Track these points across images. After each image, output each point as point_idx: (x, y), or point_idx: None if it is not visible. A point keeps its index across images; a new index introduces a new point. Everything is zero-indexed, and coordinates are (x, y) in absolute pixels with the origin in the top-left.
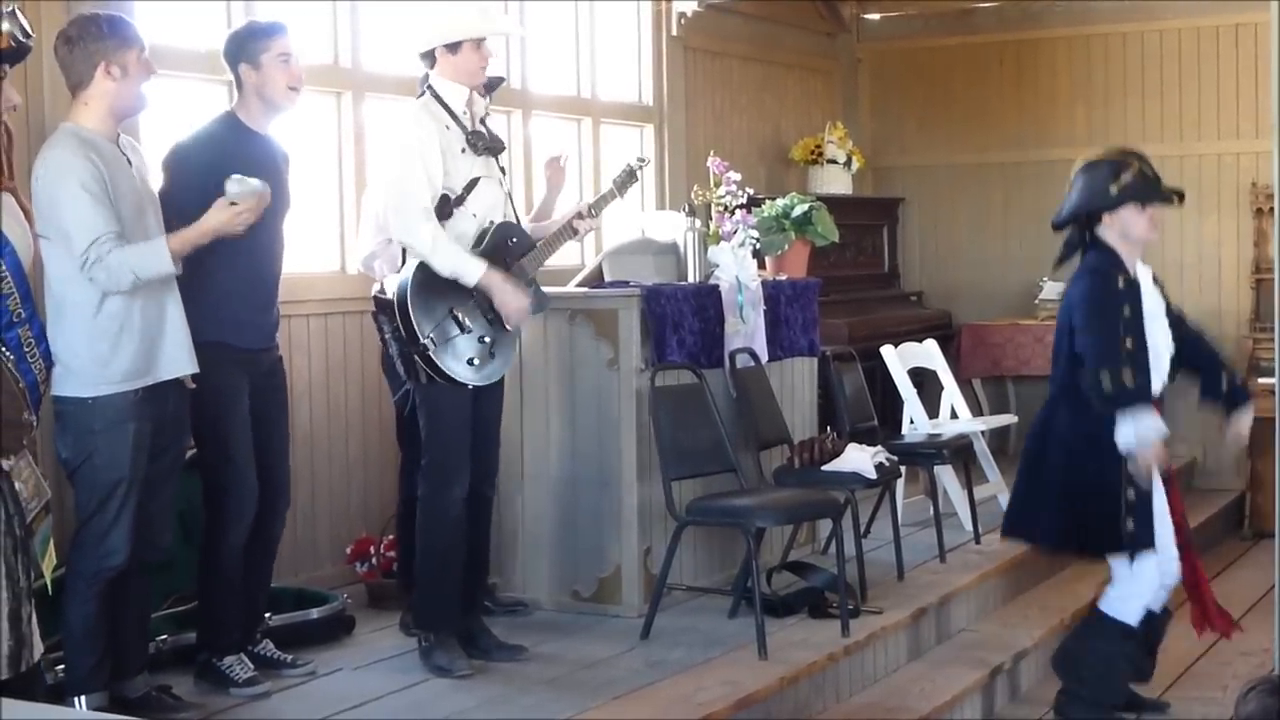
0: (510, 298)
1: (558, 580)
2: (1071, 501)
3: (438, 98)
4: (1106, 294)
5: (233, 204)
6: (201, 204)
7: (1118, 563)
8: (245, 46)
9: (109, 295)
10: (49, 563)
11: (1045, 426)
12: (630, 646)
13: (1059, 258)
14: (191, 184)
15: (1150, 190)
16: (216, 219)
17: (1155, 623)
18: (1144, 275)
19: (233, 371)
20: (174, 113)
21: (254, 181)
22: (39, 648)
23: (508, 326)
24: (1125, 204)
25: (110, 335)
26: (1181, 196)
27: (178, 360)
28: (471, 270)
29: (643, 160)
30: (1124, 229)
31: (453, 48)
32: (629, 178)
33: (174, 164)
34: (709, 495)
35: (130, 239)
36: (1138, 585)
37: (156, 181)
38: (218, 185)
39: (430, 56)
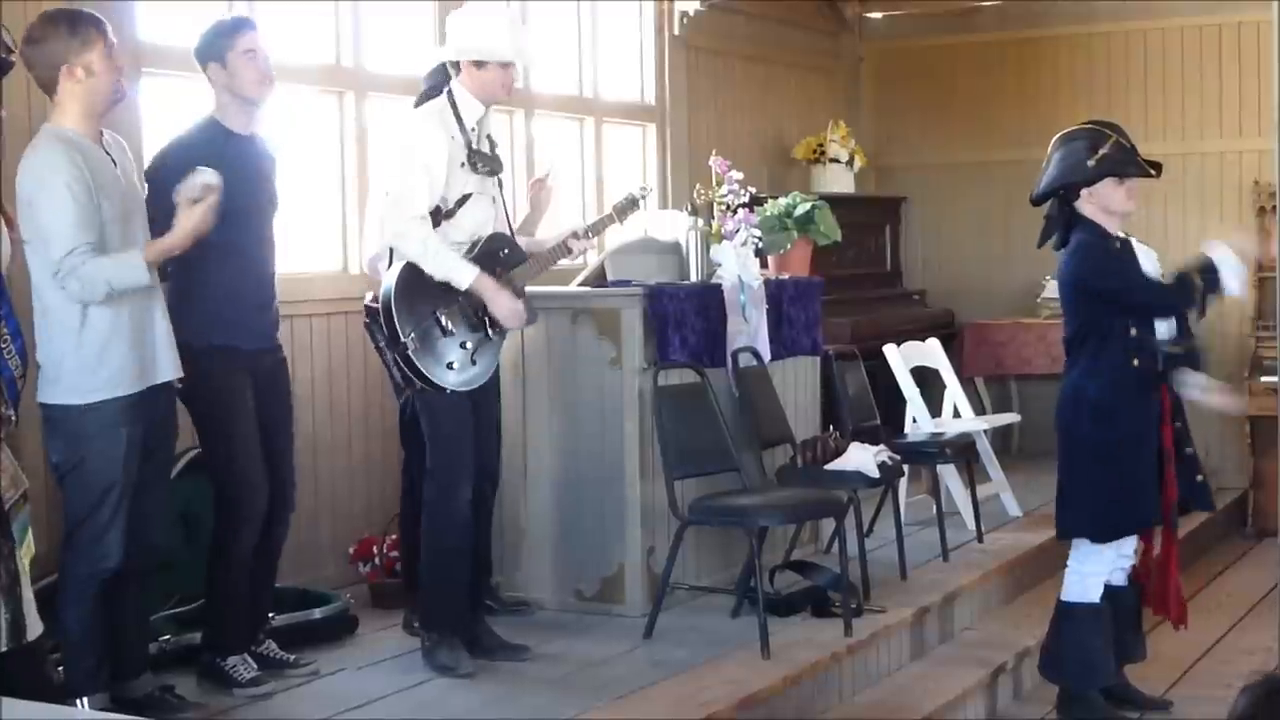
0: (503, 302)
1: (561, 580)
2: (1073, 474)
3: (453, 106)
4: (1107, 255)
5: (195, 201)
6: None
7: (1075, 539)
8: (212, 45)
9: (89, 305)
10: (28, 550)
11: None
12: (633, 646)
13: (1042, 234)
14: (169, 189)
15: (1128, 163)
16: (189, 222)
17: (1124, 597)
18: (1134, 244)
19: (238, 374)
20: (175, 113)
21: (205, 173)
22: (39, 625)
23: (504, 327)
24: (1103, 177)
25: (98, 343)
26: (1159, 169)
27: (166, 364)
28: (463, 275)
29: (645, 189)
30: (1102, 202)
31: (479, 63)
32: (630, 204)
33: (155, 172)
34: (712, 494)
35: (115, 240)
36: (1094, 563)
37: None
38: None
39: (455, 65)
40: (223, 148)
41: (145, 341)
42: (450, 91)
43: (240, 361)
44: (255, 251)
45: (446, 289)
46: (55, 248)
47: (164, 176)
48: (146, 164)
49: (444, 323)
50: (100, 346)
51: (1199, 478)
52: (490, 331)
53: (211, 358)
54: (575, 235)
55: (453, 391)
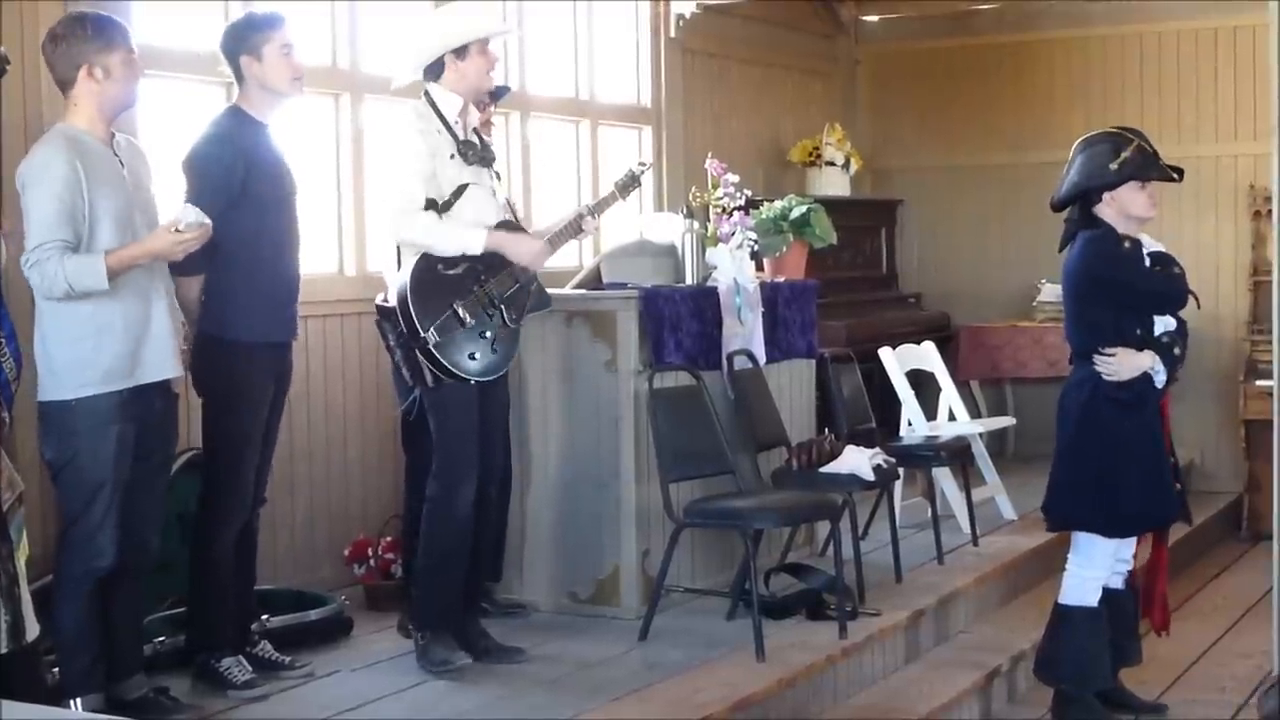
0: (522, 246)
1: (556, 582)
2: (1083, 464)
3: (432, 104)
4: (1118, 246)
5: (177, 231)
6: (225, 203)
7: (1074, 542)
8: (246, 38)
9: (73, 298)
10: (23, 551)
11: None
12: (628, 648)
13: (1064, 238)
14: (215, 184)
15: (1151, 167)
16: (158, 244)
17: (1121, 601)
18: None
19: (265, 374)
20: (173, 113)
21: (204, 217)
22: (36, 627)
23: (527, 269)
24: (1125, 182)
25: (89, 336)
26: (1181, 174)
27: (162, 363)
28: (474, 239)
29: (644, 164)
30: (1123, 207)
31: (460, 53)
32: (631, 181)
33: (193, 167)
34: (707, 497)
35: (110, 240)
36: (1093, 567)
37: (158, 181)
38: (239, 181)
39: (436, 67)
40: (253, 136)
41: (141, 337)
42: (426, 92)
43: (270, 360)
44: (284, 240)
45: (461, 281)
46: (31, 238)
47: (207, 170)
48: (180, 162)
49: (462, 315)
50: (91, 341)
51: (1177, 486)
52: (508, 319)
53: (236, 354)
54: (581, 215)
55: (476, 383)
